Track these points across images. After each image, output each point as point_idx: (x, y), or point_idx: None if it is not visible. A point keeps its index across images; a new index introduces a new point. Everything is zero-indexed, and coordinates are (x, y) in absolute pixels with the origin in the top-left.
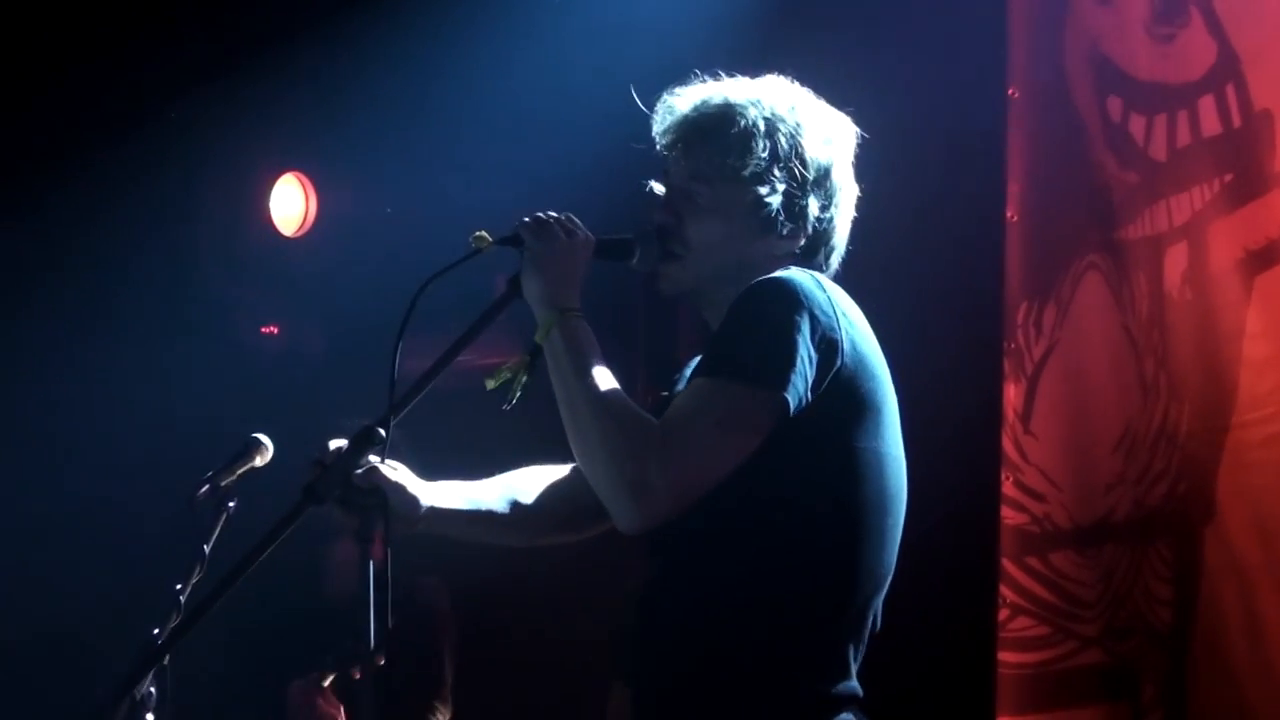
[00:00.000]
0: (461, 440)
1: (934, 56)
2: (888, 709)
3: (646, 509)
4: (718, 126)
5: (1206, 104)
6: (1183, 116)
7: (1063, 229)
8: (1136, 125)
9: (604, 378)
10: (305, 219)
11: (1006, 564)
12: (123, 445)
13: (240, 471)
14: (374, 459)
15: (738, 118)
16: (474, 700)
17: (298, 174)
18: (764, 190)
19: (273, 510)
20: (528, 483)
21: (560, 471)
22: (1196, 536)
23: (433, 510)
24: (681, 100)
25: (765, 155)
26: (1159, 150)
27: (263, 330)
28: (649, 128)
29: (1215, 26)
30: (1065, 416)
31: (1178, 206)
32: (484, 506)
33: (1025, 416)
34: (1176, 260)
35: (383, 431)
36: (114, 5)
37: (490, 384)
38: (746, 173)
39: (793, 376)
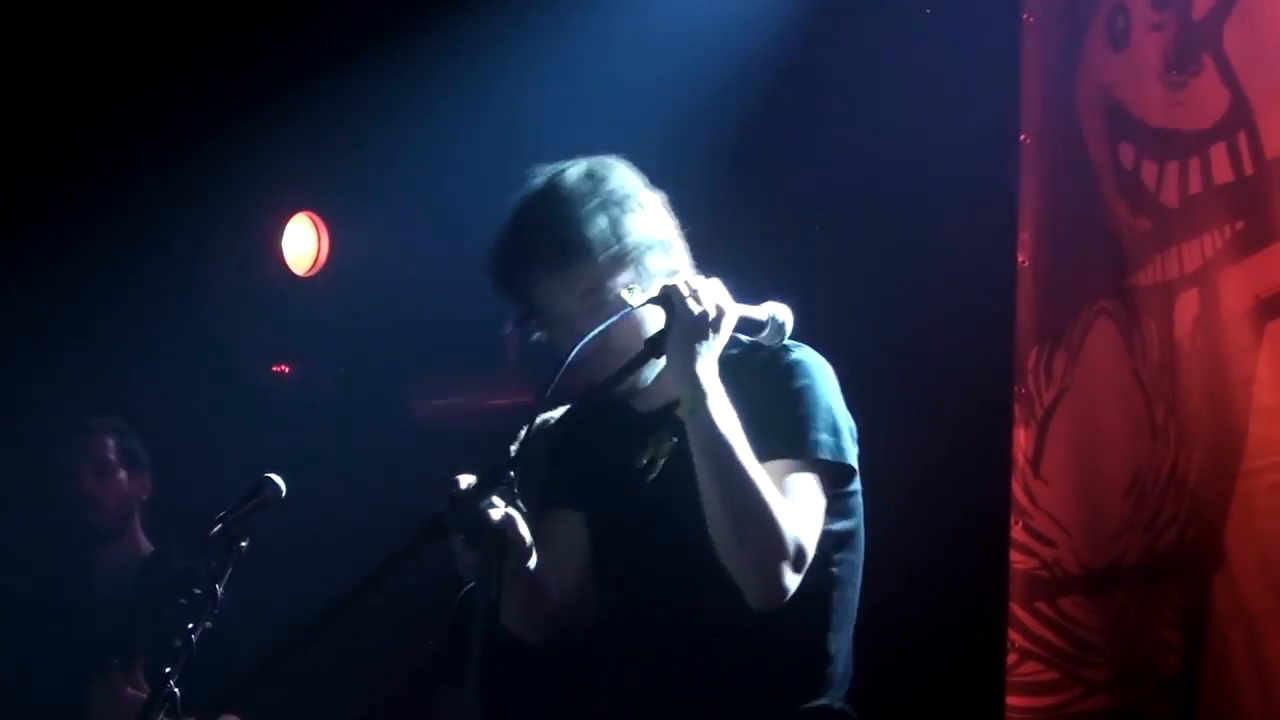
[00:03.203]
0: None
1: (946, 102)
2: None
3: (778, 604)
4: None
5: (1218, 151)
6: (1194, 164)
7: (1074, 275)
8: (1148, 172)
9: (753, 470)
10: (317, 259)
11: (1015, 608)
12: None
13: (252, 512)
14: (501, 500)
15: None
16: None
17: (310, 214)
18: None
19: (286, 550)
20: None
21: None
22: (1205, 583)
23: (538, 568)
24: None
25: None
26: (1170, 197)
27: (274, 369)
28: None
29: (1228, 74)
30: (1075, 462)
31: (1189, 253)
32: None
33: (1035, 461)
34: (1187, 307)
35: (512, 473)
36: (128, 45)
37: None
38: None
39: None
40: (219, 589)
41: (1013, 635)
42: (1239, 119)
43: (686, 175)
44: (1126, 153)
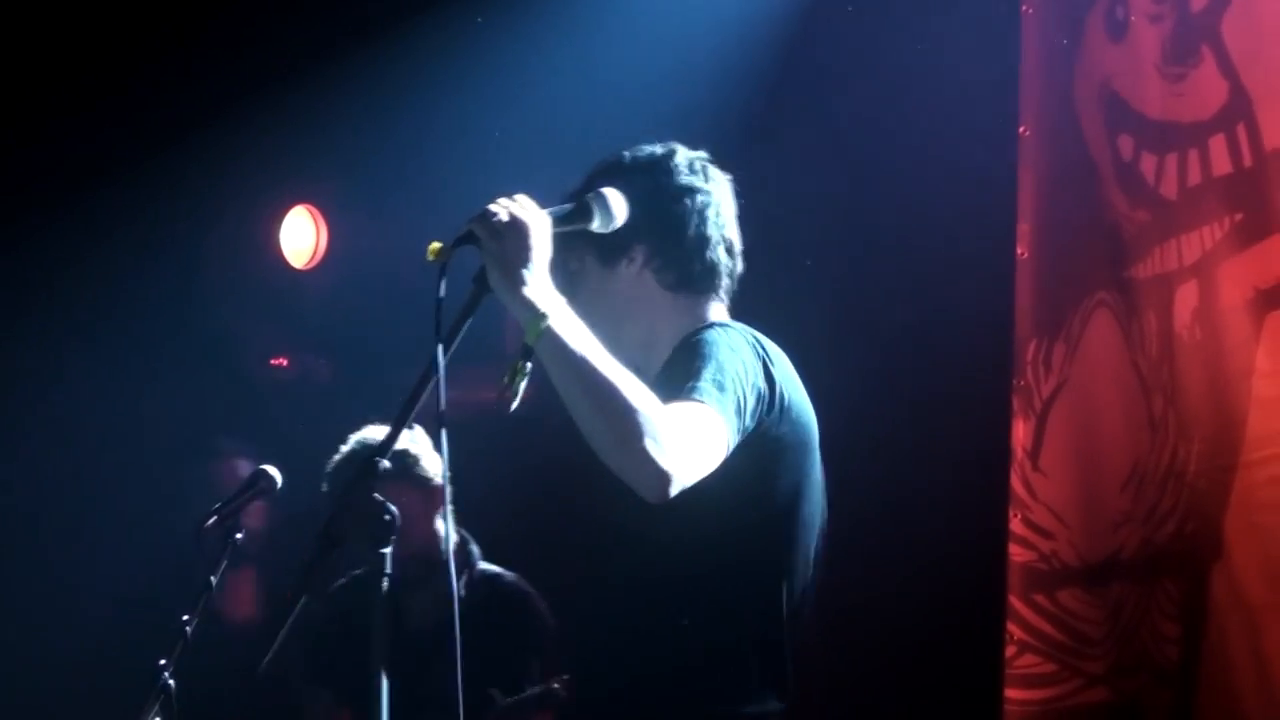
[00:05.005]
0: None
1: (946, 94)
2: None
3: (673, 489)
4: None
5: (1217, 143)
6: (1194, 155)
7: (1073, 267)
8: (1147, 164)
9: (611, 368)
10: (316, 251)
11: (1014, 601)
12: (131, 476)
13: (247, 503)
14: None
15: None
16: None
17: (309, 206)
18: None
19: (281, 542)
20: None
21: None
22: (1204, 575)
23: None
24: None
25: None
26: (1170, 189)
27: (272, 362)
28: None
29: (1227, 66)
30: (1074, 454)
31: (1188, 245)
32: None
33: (1034, 453)
34: (1186, 299)
35: (387, 463)
36: (127, 38)
37: (498, 397)
38: None
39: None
40: (213, 580)
41: (1011, 628)
42: (1238, 111)
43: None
44: (1125, 145)
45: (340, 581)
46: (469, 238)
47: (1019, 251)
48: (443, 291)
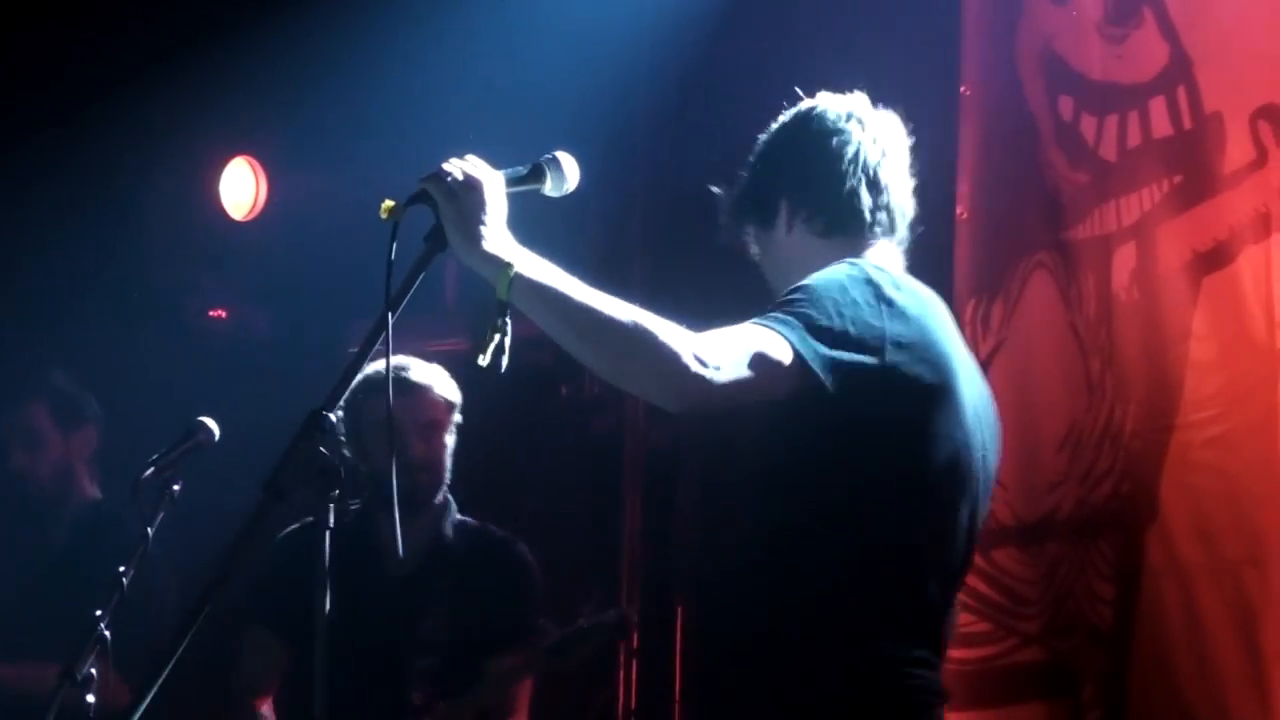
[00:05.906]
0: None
1: (887, 53)
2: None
3: (701, 383)
4: None
5: (1157, 105)
6: (1133, 117)
7: (1012, 227)
8: (1087, 125)
9: (590, 295)
10: (256, 203)
11: None
12: None
13: (184, 455)
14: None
15: None
16: None
17: (249, 158)
18: None
19: (217, 494)
20: None
21: None
22: (1139, 536)
23: None
24: None
25: None
26: (1109, 150)
27: (210, 314)
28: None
29: (1168, 28)
30: (1011, 414)
31: (1127, 207)
32: None
33: None
34: (1125, 260)
35: (332, 417)
36: None
37: (483, 360)
38: None
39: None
40: (150, 532)
41: None
42: (1178, 73)
43: (627, 126)
44: (1066, 106)
45: (292, 526)
46: (423, 197)
47: (958, 211)
48: (394, 252)
